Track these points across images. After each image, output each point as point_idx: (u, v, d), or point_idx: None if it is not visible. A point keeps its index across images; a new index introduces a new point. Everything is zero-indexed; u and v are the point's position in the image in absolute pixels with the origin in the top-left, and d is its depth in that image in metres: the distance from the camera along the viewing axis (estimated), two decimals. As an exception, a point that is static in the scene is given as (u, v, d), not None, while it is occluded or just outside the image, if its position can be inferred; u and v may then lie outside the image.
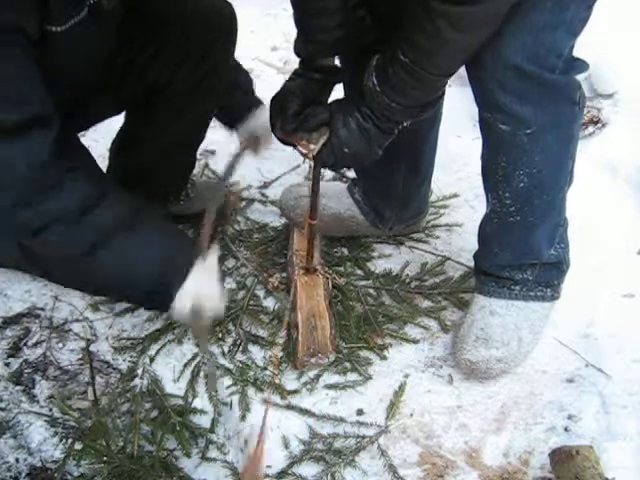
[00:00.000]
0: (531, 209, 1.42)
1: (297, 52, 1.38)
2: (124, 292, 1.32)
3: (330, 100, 1.41)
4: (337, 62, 1.44)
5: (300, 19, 1.35)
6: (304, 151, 1.38)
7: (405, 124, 1.32)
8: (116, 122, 1.68)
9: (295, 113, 1.34)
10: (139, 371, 1.52)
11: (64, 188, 1.14)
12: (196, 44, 1.50)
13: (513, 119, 1.29)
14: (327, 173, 2.02)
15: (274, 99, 1.39)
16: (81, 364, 1.53)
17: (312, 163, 1.45)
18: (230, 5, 1.56)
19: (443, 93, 1.32)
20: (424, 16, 1.13)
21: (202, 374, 1.51)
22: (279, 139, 1.41)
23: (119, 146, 1.76)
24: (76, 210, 1.15)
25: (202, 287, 1.23)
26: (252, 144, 1.68)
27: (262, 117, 1.62)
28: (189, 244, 1.32)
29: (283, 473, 1.34)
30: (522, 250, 1.50)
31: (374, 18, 1.34)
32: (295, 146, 1.40)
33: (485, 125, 1.36)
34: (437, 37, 1.14)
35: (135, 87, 1.53)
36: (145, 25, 1.43)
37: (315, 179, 1.49)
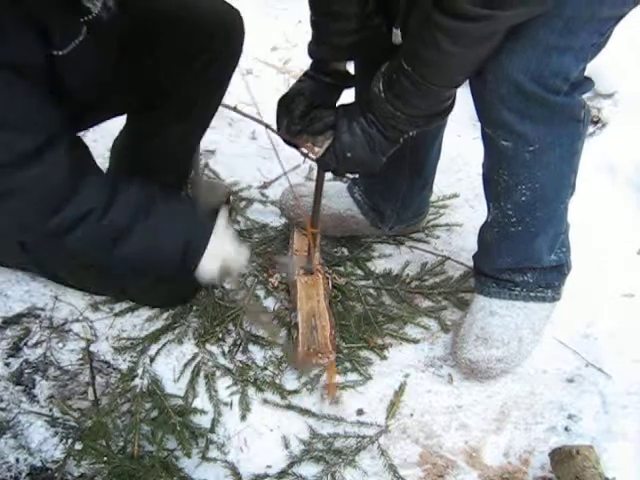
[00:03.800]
0: (532, 220, 1.42)
1: (310, 53, 1.38)
2: (150, 275, 1.39)
3: (338, 104, 1.39)
4: (349, 67, 1.43)
5: (316, 21, 1.34)
6: (309, 154, 1.37)
7: (411, 133, 1.29)
8: (116, 122, 1.68)
9: (302, 115, 1.33)
10: (139, 371, 1.52)
11: (82, 191, 1.16)
12: (189, 42, 1.49)
13: (515, 136, 1.27)
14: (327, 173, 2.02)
15: (282, 99, 1.38)
16: (81, 364, 1.53)
17: (313, 164, 1.44)
18: (233, 7, 1.55)
19: (451, 106, 1.28)
20: (425, 26, 1.11)
21: (202, 374, 1.51)
22: (284, 139, 1.40)
23: (120, 146, 1.76)
24: (99, 208, 1.18)
25: (224, 247, 1.29)
26: None
27: None
28: (205, 212, 1.34)
29: (283, 473, 1.35)
30: (522, 256, 1.50)
31: (390, 26, 1.32)
32: (298, 147, 1.39)
33: (487, 139, 1.35)
34: (436, 48, 1.12)
35: (134, 87, 1.52)
36: (136, 26, 1.43)
37: (318, 188, 1.49)
